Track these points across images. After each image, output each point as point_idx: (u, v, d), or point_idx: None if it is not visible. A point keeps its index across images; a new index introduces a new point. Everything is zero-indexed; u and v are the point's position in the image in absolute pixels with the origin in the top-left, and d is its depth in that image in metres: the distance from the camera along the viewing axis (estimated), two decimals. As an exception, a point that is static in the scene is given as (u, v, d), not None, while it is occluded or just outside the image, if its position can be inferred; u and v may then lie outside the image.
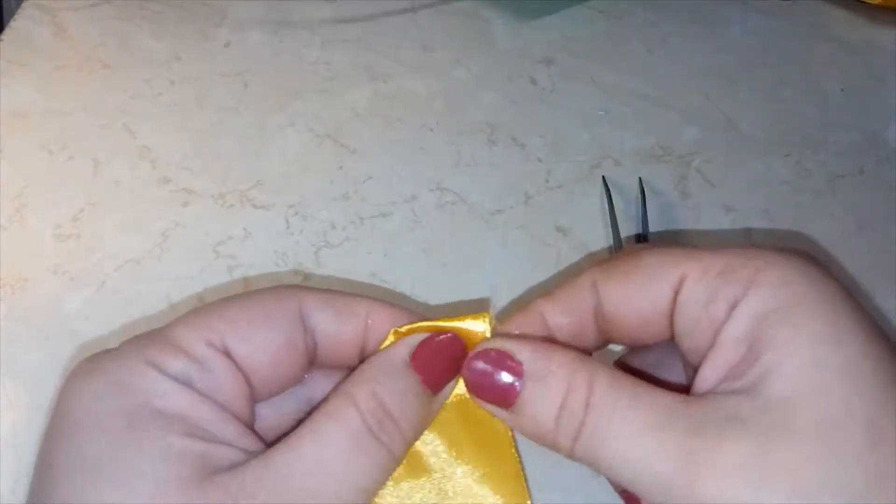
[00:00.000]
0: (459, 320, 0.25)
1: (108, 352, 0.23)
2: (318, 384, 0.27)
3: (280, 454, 0.22)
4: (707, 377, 0.22)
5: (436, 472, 0.25)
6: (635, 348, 0.28)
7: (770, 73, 0.57)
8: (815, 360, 0.20)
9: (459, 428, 0.26)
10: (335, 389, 0.24)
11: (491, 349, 0.24)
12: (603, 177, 0.49)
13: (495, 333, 0.25)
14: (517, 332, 0.26)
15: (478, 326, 0.25)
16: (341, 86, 0.55)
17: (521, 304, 0.28)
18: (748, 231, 0.47)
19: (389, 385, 0.23)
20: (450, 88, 0.55)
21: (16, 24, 0.57)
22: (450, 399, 0.25)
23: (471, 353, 0.24)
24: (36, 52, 0.55)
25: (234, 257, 0.45)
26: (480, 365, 0.24)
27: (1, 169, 0.49)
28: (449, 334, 0.25)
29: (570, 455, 0.22)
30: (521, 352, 0.24)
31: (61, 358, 0.41)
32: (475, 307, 0.26)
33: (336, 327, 0.26)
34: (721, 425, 0.20)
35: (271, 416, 0.26)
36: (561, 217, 0.48)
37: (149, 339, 0.24)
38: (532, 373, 0.23)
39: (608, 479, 0.22)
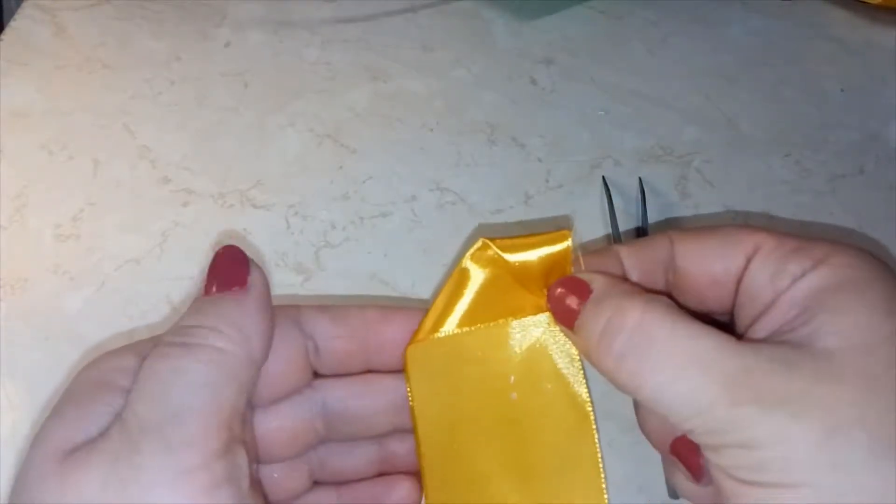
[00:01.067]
0: (545, 239, 0.27)
1: (116, 351, 0.24)
2: (330, 390, 0.27)
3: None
4: (759, 329, 0.23)
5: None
6: None
7: (770, 73, 0.57)
8: (866, 323, 0.21)
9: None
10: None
11: (570, 277, 0.26)
12: (603, 177, 0.49)
13: (576, 256, 0.26)
14: (593, 266, 0.27)
15: (561, 246, 0.27)
16: (341, 86, 0.55)
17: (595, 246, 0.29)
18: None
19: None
20: (450, 88, 0.55)
21: (16, 24, 0.57)
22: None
23: (553, 282, 0.26)
24: (36, 52, 0.55)
25: (234, 257, 0.45)
26: (559, 290, 0.26)
27: (1, 169, 0.49)
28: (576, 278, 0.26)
29: (611, 374, 0.23)
30: (595, 280, 0.25)
31: (61, 358, 0.41)
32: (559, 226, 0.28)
33: (333, 330, 0.27)
34: (771, 364, 0.21)
35: (286, 421, 0.26)
36: (561, 217, 0.48)
37: (148, 339, 0.24)
38: (595, 295, 0.25)
39: (644, 402, 0.23)
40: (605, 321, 0.23)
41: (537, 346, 0.26)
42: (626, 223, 0.47)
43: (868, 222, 0.48)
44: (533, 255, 0.27)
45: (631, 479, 0.38)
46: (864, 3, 0.61)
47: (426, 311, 0.27)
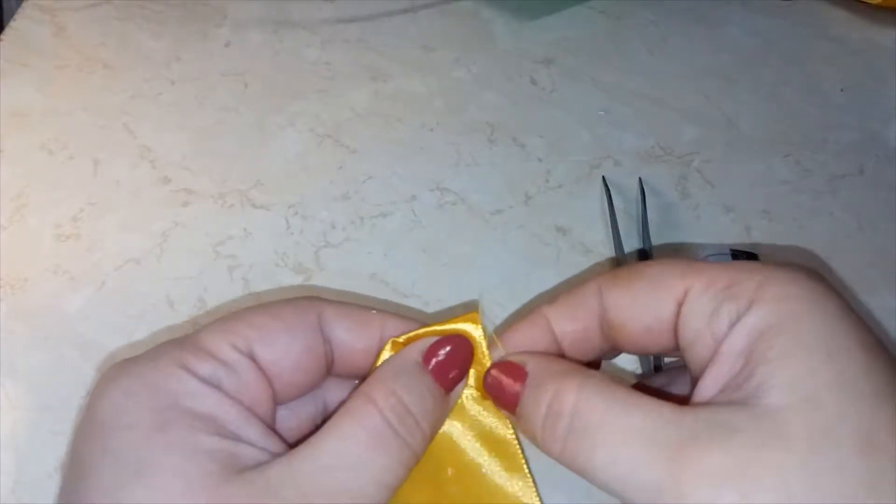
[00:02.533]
0: (452, 323, 0.27)
1: (140, 355, 0.24)
2: (332, 390, 0.28)
3: (303, 452, 0.23)
4: (705, 388, 0.22)
5: (449, 466, 0.26)
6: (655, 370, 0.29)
7: (770, 73, 0.57)
8: (808, 371, 0.20)
9: (468, 426, 0.27)
10: (354, 392, 0.24)
11: (505, 361, 0.26)
12: (603, 177, 0.49)
13: (499, 337, 0.27)
14: (523, 337, 0.27)
15: (469, 328, 0.27)
16: (341, 86, 0.55)
17: (526, 310, 0.29)
18: (747, 228, 0.47)
19: (406, 384, 0.25)
20: (450, 88, 0.55)
21: (16, 24, 0.57)
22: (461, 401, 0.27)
23: (489, 367, 0.26)
24: (36, 52, 0.55)
25: (234, 257, 0.45)
26: (493, 372, 0.26)
27: (1, 169, 0.49)
28: (457, 336, 0.26)
29: (560, 459, 0.23)
30: (529, 362, 0.25)
31: (61, 358, 0.41)
32: (466, 309, 0.27)
33: (351, 337, 0.27)
34: (712, 432, 0.20)
35: (290, 418, 0.27)
36: (561, 217, 0.48)
37: (179, 343, 0.25)
38: (531, 379, 0.24)
39: (596, 485, 0.22)
40: (545, 407, 0.23)
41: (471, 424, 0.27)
42: (626, 223, 0.47)
43: (868, 222, 0.48)
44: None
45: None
46: (864, 3, 0.61)
47: (443, 335, 0.27)
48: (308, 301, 0.27)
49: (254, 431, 0.24)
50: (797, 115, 0.54)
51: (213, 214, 0.47)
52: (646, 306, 0.25)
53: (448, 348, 0.26)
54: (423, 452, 0.24)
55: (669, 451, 0.20)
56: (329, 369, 0.27)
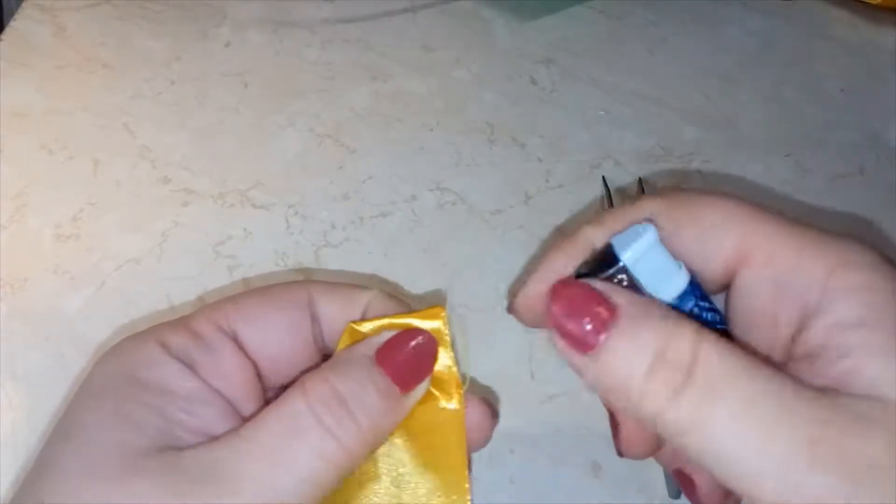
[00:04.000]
0: (416, 316, 0.25)
1: (136, 332, 0.25)
2: None
3: (223, 439, 0.22)
4: (797, 351, 0.21)
5: (389, 476, 0.25)
6: None
7: (770, 73, 0.57)
8: None
9: (414, 429, 0.25)
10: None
11: (587, 285, 0.21)
12: (603, 177, 0.49)
13: (535, 265, 0.24)
14: (562, 262, 0.24)
15: (434, 324, 0.25)
16: (341, 86, 0.55)
17: (569, 231, 0.26)
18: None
19: (345, 373, 0.23)
20: (450, 88, 0.55)
21: (16, 24, 0.57)
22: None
23: (559, 280, 0.22)
24: (36, 52, 0.55)
25: (234, 257, 0.45)
26: (573, 290, 0.21)
27: (1, 169, 0.49)
28: (421, 332, 0.24)
29: (658, 416, 0.19)
30: (618, 294, 0.21)
31: (61, 358, 0.41)
32: (433, 300, 0.26)
33: (335, 313, 0.26)
34: (847, 420, 0.18)
35: None
36: (561, 217, 0.48)
37: (170, 322, 0.25)
38: (627, 316, 0.20)
39: (694, 451, 0.19)
40: (652, 353, 0.20)
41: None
42: (626, 223, 0.47)
43: (868, 222, 0.48)
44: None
45: (631, 479, 0.38)
46: (864, 3, 0.61)
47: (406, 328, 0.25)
48: (299, 283, 0.26)
49: (209, 411, 0.23)
50: (797, 115, 0.54)
51: (213, 214, 0.47)
52: (700, 250, 0.22)
53: (411, 343, 0.24)
54: (361, 451, 0.22)
55: (806, 430, 0.18)
56: (322, 352, 0.27)
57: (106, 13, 0.58)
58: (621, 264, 0.22)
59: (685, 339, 0.20)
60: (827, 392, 0.19)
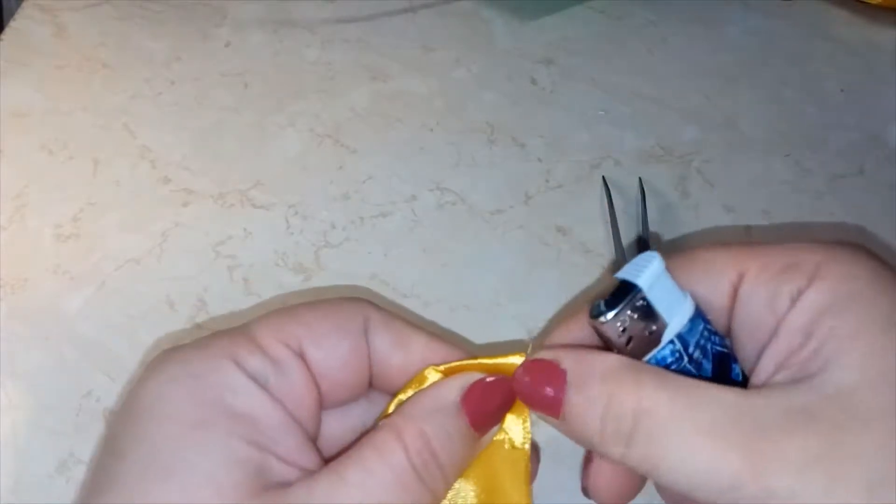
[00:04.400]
0: (498, 358, 0.25)
1: (189, 343, 0.24)
2: (379, 404, 0.27)
3: (325, 480, 0.22)
4: (765, 366, 0.22)
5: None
6: None
7: (770, 73, 0.57)
8: (881, 349, 0.20)
9: (484, 466, 0.25)
10: (382, 420, 0.24)
11: (535, 360, 0.24)
12: (603, 177, 0.49)
13: (541, 346, 0.25)
14: (566, 339, 0.25)
15: (515, 362, 0.25)
16: (341, 86, 0.55)
17: (570, 310, 0.28)
18: (747, 228, 0.47)
19: (438, 426, 0.23)
20: (450, 88, 0.55)
21: (16, 24, 0.57)
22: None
23: (518, 366, 0.24)
24: (36, 52, 0.55)
25: (234, 257, 0.45)
26: (526, 378, 0.24)
27: (1, 169, 0.49)
28: (499, 377, 0.25)
29: (623, 462, 0.22)
30: (565, 360, 0.23)
31: (61, 358, 0.41)
32: (514, 348, 0.26)
33: (390, 351, 0.26)
34: (787, 419, 0.20)
35: (336, 427, 0.26)
36: (561, 217, 0.48)
37: (229, 334, 0.24)
38: (574, 380, 0.23)
39: (662, 485, 0.21)
40: (601, 409, 0.22)
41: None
42: (626, 223, 0.47)
43: (868, 222, 0.48)
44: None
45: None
46: (864, 3, 0.61)
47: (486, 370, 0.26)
48: (356, 303, 0.26)
49: (291, 440, 0.23)
50: (797, 115, 0.54)
51: (213, 214, 0.47)
52: (700, 291, 0.24)
53: (491, 391, 0.24)
54: (443, 497, 0.23)
55: (747, 441, 0.19)
56: (371, 378, 0.26)
57: (106, 13, 0.58)
58: (639, 288, 0.23)
59: (628, 391, 0.21)
60: (764, 392, 0.20)
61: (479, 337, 0.42)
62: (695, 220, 0.48)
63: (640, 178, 0.49)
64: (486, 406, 0.24)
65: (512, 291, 0.44)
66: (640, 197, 0.48)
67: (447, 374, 0.25)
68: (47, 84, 0.53)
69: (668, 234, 0.47)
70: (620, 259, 0.45)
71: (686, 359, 0.23)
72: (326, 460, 0.23)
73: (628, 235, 0.46)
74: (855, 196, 0.49)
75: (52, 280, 0.44)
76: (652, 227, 0.46)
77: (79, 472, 0.37)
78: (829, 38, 0.59)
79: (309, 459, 0.23)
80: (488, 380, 0.25)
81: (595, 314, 0.23)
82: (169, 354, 0.23)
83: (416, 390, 0.25)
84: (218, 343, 0.23)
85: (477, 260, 0.46)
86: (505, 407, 0.25)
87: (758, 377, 0.22)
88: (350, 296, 0.27)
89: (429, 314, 0.43)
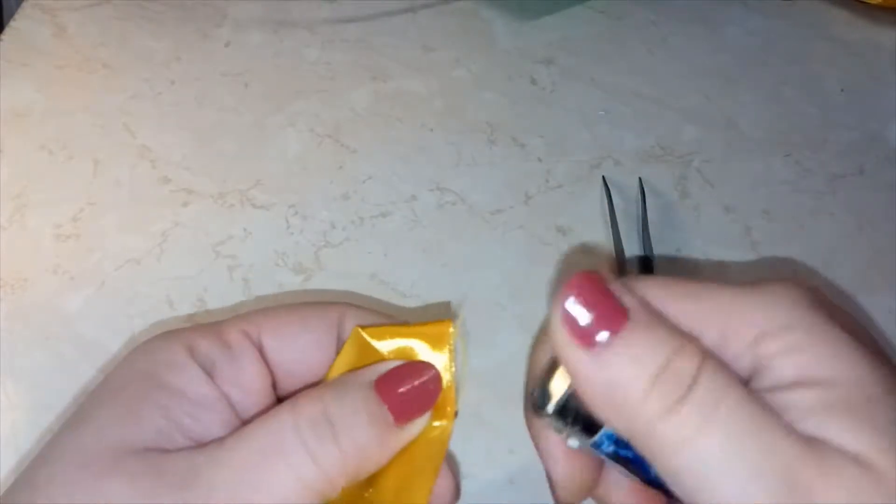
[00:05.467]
0: (423, 329, 0.25)
1: (171, 331, 0.25)
2: None
3: (208, 446, 0.22)
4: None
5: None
6: None
7: (770, 73, 0.57)
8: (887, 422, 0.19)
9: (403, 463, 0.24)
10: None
11: (600, 286, 0.21)
12: (603, 177, 0.49)
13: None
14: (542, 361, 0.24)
15: (440, 342, 0.24)
16: (341, 86, 0.55)
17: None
18: (747, 228, 0.47)
19: (339, 394, 0.22)
20: (450, 88, 0.55)
21: (16, 24, 0.57)
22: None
23: (569, 280, 0.21)
24: (36, 52, 0.55)
25: (234, 257, 0.45)
26: (573, 293, 0.20)
27: (1, 169, 0.49)
28: (431, 371, 0.24)
29: (649, 425, 0.19)
30: (630, 298, 0.21)
31: (61, 358, 0.41)
32: (442, 310, 0.26)
33: None
34: (818, 464, 0.18)
35: None
36: (561, 217, 0.48)
37: (202, 326, 0.25)
38: (638, 317, 0.20)
39: (665, 464, 0.19)
40: (657, 363, 0.19)
41: None
42: (626, 223, 0.47)
43: (868, 222, 0.48)
44: (408, 344, 0.25)
45: (631, 479, 0.38)
46: (864, 3, 0.61)
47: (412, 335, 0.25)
48: (335, 304, 0.26)
49: (213, 417, 0.23)
50: (797, 115, 0.54)
51: (213, 214, 0.47)
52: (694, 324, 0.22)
53: (416, 381, 0.23)
54: (340, 479, 0.21)
55: (791, 474, 0.18)
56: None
57: (106, 13, 0.58)
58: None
59: (690, 356, 0.19)
60: (812, 442, 0.19)
61: (479, 337, 0.42)
62: (695, 220, 0.48)
63: (640, 178, 0.49)
64: (405, 392, 0.23)
65: (512, 291, 0.44)
66: (640, 197, 0.48)
67: (374, 336, 0.25)
68: (47, 84, 0.53)
69: (668, 234, 0.47)
70: (620, 259, 0.45)
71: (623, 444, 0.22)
72: None
73: (628, 235, 0.46)
74: (855, 196, 0.49)
75: (52, 280, 0.44)
76: (652, 227, 0.46)
77: (79, 472, 0.37)
78: (829, 38, 0.59)
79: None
80: (412, 367, 0.24)
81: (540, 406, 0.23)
82: (148, 340, 0.25)
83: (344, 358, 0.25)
84: (186, 331, 0.24)
85: (477, 260, 0.46)
86: (428, 398, 0.23)
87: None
88: (342, 300, 0.27)
89: (429, 314, 0.43)
